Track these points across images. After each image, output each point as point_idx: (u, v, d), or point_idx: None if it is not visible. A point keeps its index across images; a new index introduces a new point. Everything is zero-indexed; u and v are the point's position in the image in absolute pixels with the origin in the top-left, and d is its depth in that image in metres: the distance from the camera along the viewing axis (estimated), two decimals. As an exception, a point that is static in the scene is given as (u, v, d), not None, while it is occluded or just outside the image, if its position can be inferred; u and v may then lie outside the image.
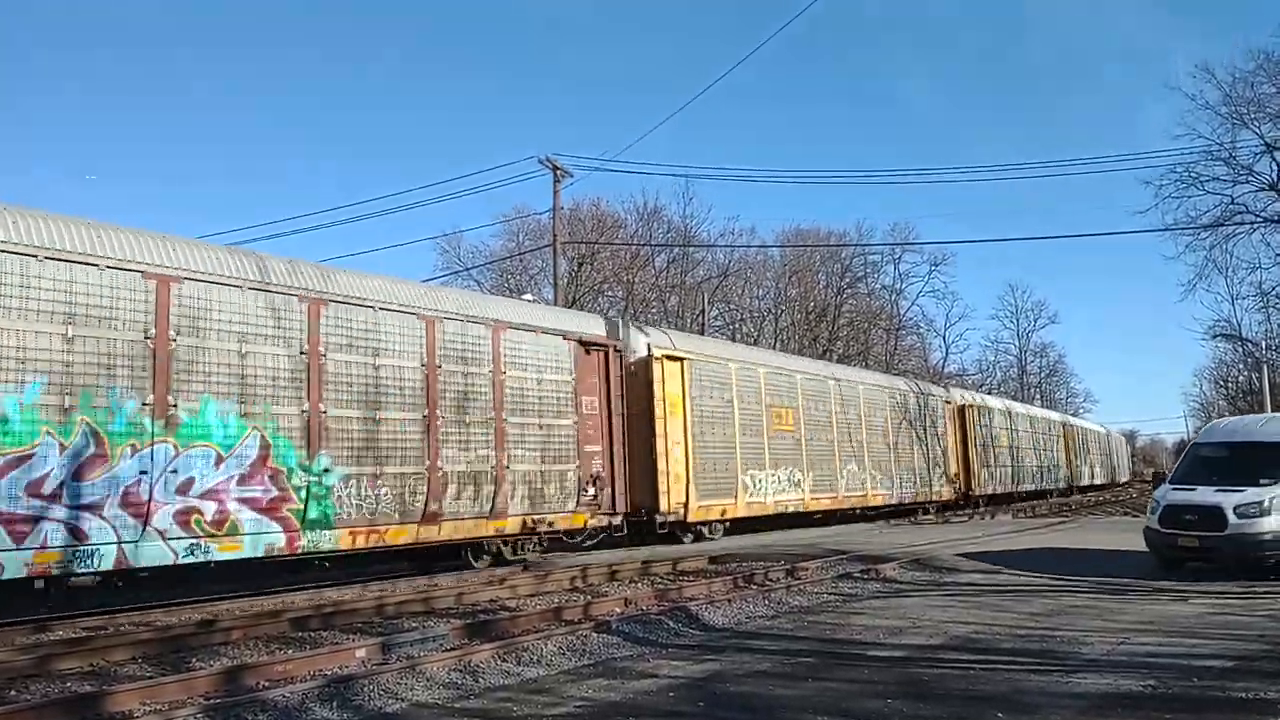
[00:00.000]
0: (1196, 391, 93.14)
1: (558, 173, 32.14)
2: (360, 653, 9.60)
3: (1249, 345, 48.59)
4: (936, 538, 23.20)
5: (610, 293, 49.47)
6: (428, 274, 51.27)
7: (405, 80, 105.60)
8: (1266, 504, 14.20)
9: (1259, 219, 40.52)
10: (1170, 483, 16.10)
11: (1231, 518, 14.23)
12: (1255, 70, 39.53)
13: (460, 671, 8.80)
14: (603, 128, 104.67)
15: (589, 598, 13.85)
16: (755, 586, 14.58)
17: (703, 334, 39.25)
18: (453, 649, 9.77)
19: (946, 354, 72.76)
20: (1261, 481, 14.57)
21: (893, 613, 12.06)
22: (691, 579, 16.00)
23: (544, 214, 36.69)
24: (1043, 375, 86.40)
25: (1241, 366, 61.91)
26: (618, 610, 12.50)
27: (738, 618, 11.95)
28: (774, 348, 55.24)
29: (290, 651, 10.17)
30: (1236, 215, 40.59)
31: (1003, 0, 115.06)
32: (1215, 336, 54.67)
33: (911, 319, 66.73)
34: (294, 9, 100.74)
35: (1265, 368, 41.43)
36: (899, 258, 62.91)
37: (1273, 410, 38.72)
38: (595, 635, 10.38)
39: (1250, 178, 40.12)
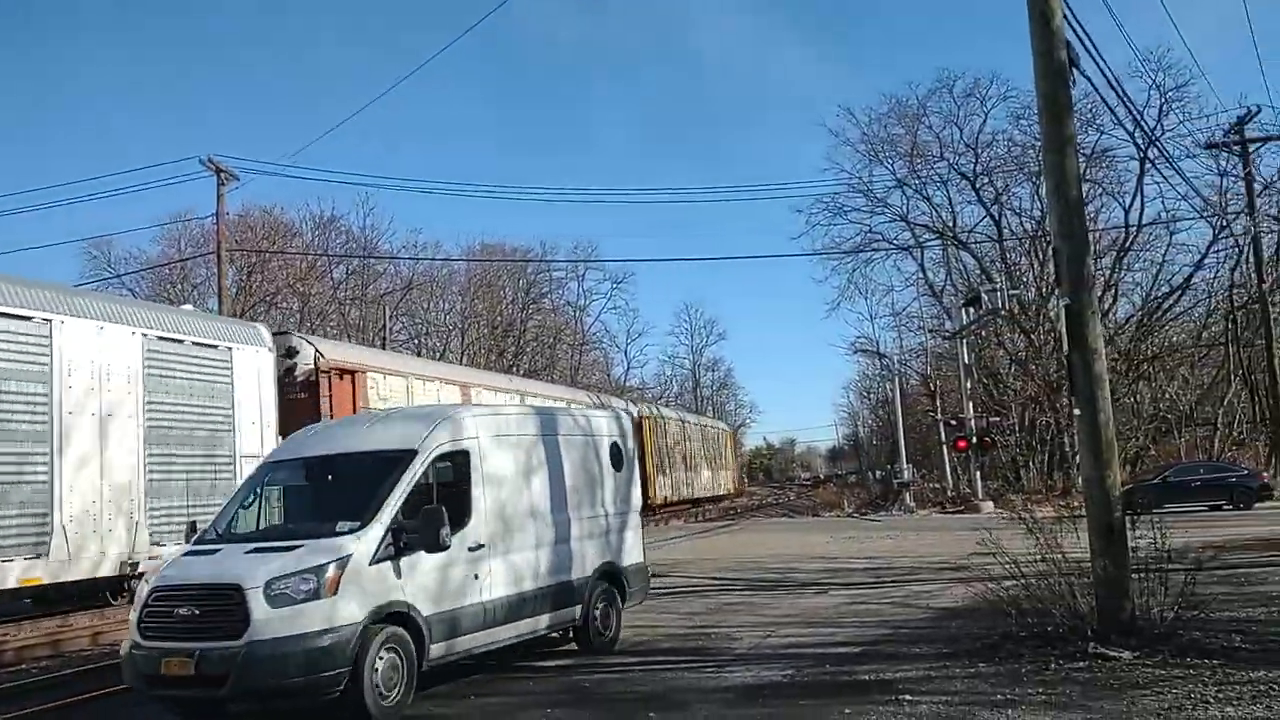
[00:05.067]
0: (845, 402, 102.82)
1: (222, 175, 29.95)
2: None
3: (884, 359, 54.40)
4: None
5: (284, 304, 46.94)
6: (74, 280, 45.99)
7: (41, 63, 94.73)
8: (332, 573, 7.28)
9: (891, 246, 45.75)
10: (195, 542, 8.55)
11: (259, 607, 7.06)
12: (888, 113, 44.79)
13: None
14: (280, 133, 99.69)
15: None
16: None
17: (384, 348, 38.11)
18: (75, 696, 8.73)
19: (628, 369, 75.73)
20: (339, 528, 7.74)
21: (563, 622, 12.19)
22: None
23: (208, 219, 34.14)
24: (714, 389, 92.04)
25: (879, 378, 69.13)
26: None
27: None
28: (461, 362, 54.92)
29: None
30: (874, 242, 45.58)
31: (683, 40, 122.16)
32: (856, 351, 60.91)
33: (595, 335, 68.86)
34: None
35: (897, 379, 46.56)
36: (582, 275, 64.76)
37: (903, 421, 43.37)
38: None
39: (885, 209, 45.24)
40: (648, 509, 36.50)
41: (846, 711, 6.92)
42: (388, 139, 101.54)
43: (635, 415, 36.94)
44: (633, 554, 10.89)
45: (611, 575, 10.33)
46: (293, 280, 45.63)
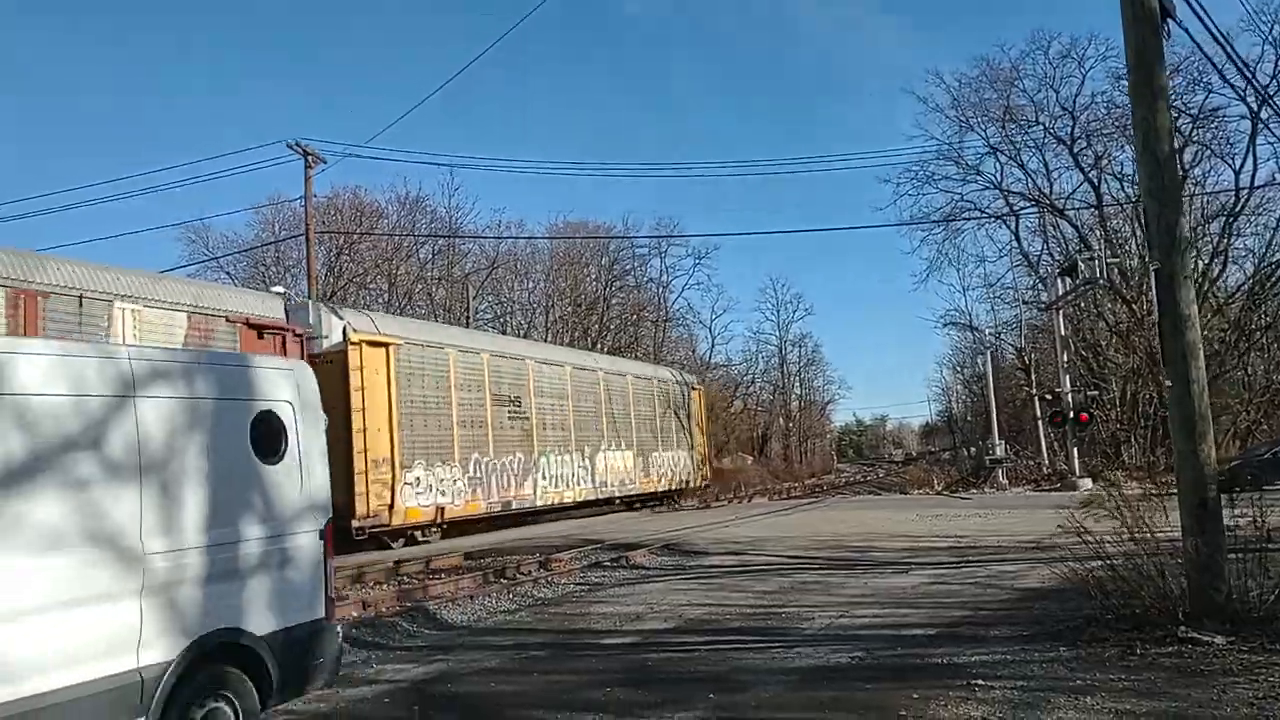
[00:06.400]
0: (938, 377, 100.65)
1: (309, 158, 30.56)
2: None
3: (977, 333, 52.90)
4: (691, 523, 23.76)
5: (373, 285, 47.86)
6: (171, 264, 47.72)
7: (139, 61, 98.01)
8: None
9: (984, 215, 44.31)
10: None
11: None
12: (979, 77, 43.25)
13: (156, 692, 8.02)
14: (365, 115, 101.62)
15: (326, 602, 13.10)
16: (504, 581, 14.32)
17: (468, 326, 38.43)
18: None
19: (713, 345, 75.20)
20: None
21: (634, 599, 12.11)
22: (440, 577, 15.54)
23: (297, 200, 34.89)
24: (802, 365, 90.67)
25: (972, 352, 67.43)
26: (354, 614, 11.87)
27: (478, 614, 11.65)
28: (545, 340, 55.25)
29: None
30: (965, 212, 44.23)
31: (776, 10, 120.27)
32: (947, 325, 59.36)
33: (678, 311, 68.55)
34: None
35: (990, 353, 45.19)
36: (665, 251, 64.43)
37: (996, 396, 42.03)
38: (319, 642, 9.72)
39: (976, 177, 43.80)
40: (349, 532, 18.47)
41: (914, 696, 6.64)
42: (470, 118, 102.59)
43: (342, 337, 19.51)
44: (298, 609, 6.21)
45: (233, 653, 5.73)
46: (380, 261, 46.48)
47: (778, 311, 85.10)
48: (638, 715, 6.63)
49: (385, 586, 15.10)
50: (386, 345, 20.51)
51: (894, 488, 41.45)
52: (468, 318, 40.14)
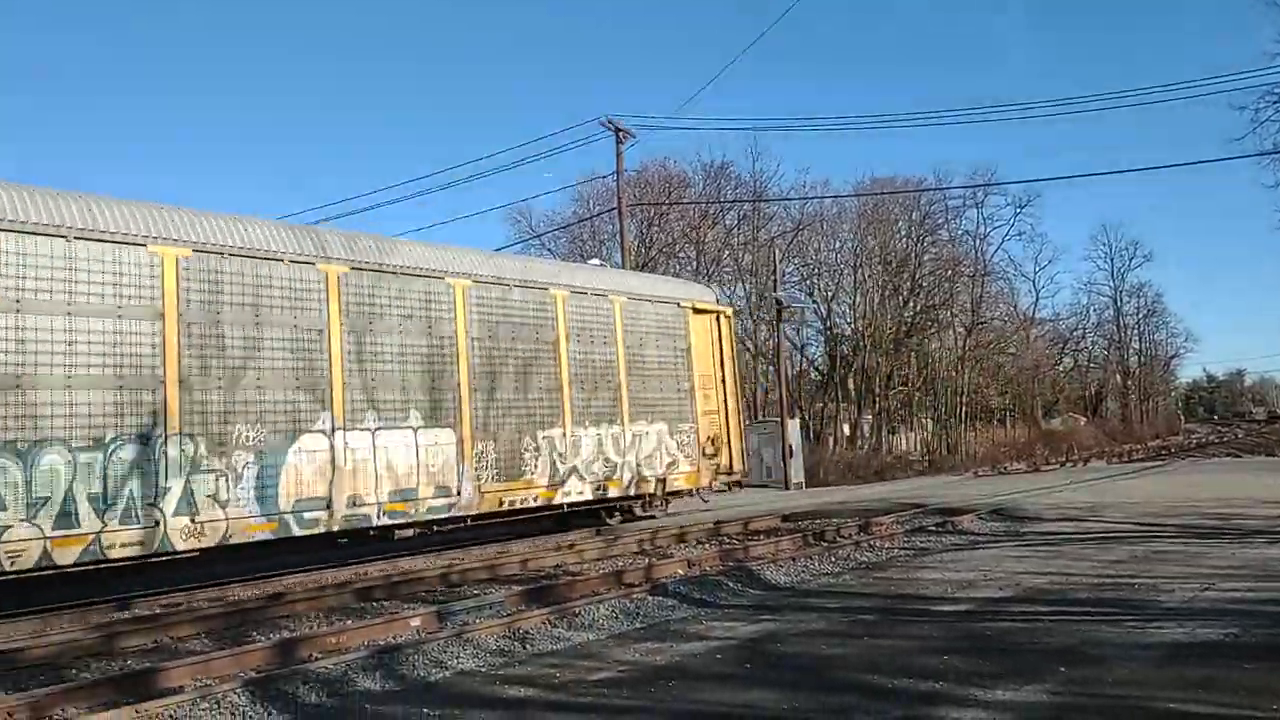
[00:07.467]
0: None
1: (619, 134, 31.76)
2: (415, 621, 9.57)
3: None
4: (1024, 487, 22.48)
5: (682, 253, 49.04)
6: (500, 244, 51.74)
7: (451, 49, 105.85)
8: None
9: (1368, 136, 38.06)
10: None
11: None
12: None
13: (509, 638, 8.69)
14: (668, 83, 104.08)
15: (653, 560, 13.69)
16: (824, 544, 14.24)
17: (775, 289, 38.35)
18: (506, 616, 9.68)
19: (1036, 299, 70.60)
20: None
21: (964, 565, 11.60)
22: (760, 539, 15.72)
23: (610, 176, 36.36)
24: (1140, 317, 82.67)
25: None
26: (680, 572, 12.30)
27: (801, 576, 11.63)
28: (854, 301, 54.06)
29: (349, 622, 10.21)
30: (1343, 135, 38.22)
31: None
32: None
33: (998, 264, 64.84)
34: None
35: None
36: (981, 201, 60.97)
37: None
38: (651, 598, 10.18)
39: (1357, 92, 37.65)
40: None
41: (1307, 681, 5.85)
42: (771, 79, 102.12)
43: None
44: None
45: None
46: (688, 230, 47.52)
47: (1111, 260, 78.76)
48: (981, 685, 6.30)
49: (707, 546, 15.52)
50: None
51: (1257, 449, 37.06)
52: (775, 282, 40.05)
